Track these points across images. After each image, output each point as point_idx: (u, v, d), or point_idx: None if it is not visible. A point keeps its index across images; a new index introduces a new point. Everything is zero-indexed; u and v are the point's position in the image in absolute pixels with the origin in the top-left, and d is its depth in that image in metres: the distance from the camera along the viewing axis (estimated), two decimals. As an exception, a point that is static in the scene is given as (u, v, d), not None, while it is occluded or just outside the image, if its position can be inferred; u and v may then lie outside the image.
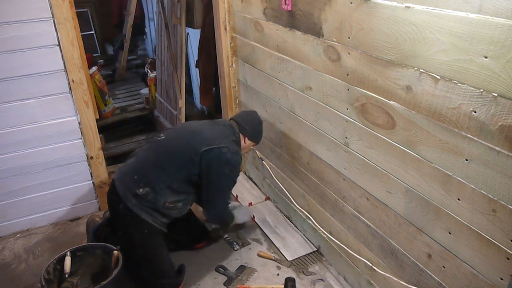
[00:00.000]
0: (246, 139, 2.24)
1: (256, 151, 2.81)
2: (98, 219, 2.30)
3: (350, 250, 1.98)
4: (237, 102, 2.94)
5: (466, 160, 1.28)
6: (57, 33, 2.29)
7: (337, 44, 1.74)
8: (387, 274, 1.76)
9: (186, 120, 3.71)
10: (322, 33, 1.81)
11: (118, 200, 1.95)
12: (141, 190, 1.94)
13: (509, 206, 1.19)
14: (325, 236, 2.18)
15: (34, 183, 2.55)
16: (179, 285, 2.11)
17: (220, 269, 2.25)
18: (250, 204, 2.78)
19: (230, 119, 2.30)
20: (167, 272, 2.07)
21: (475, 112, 1.21)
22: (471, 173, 1.28)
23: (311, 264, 2.26)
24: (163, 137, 2.11)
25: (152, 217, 1.95)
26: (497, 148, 1.18)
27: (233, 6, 2.61)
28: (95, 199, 2.76)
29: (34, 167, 2.51)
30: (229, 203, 2.21)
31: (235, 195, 2.88)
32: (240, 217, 2.37)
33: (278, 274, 2.20)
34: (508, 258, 1.23)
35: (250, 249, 2.40)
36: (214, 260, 2.31)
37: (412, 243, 1.60)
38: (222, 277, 2.20)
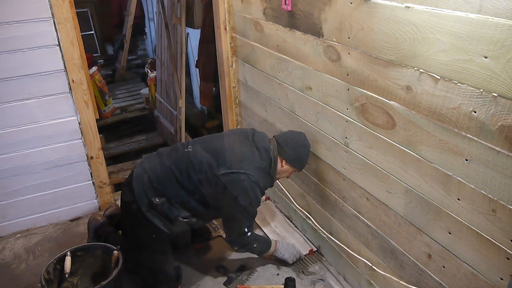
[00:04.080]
0: (284, 162, 2.01)
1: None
2: (99, 218, 2.30)
3: (350, 250, 1.98)
4: (237, 102, 2.94)
5: (466, 160, 1.28)
6: (57, 33, 2.29)
7: (337, 44, 1.74)
8: (387, 274, 1.76)
9: (186, 119, 3.72)
10: (322, 33, 1.81)
11: (133, 200, 1.93)
12: (157, 199, 1.90)
13: (509, 206, 1.19)
14: (325, 236, 2.18)
15: (34, 183, 2.55)
16: None
17: (220, 269, 2.25)
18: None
19: (273, 137, 2.08)
20: (169, 276, 2.05)
21: (475, 112, 1.21)
22: (471, 173, 1.28)
23: (311, 264, 2.26)
24: (190, 149, 1.98)
25: (164, 223, 1.94)
26: (497, 148, 1.18)
27: (233, 6, 2.61)
28: (95, 199, 2.76)
29: (34, 167, 2.51)
30: (249, 233, 2.00)
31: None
32: (280, 251, 2.19)
33: (278, 274, 2.20)
34: (508, 258, 1.23)
35: (250, 249, 2.40)
36: (214, 260, 2.31)
37: (412, 243, 1.60)
38: (222, 277, 2.20)
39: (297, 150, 2.00)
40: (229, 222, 2.02)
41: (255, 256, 2.32)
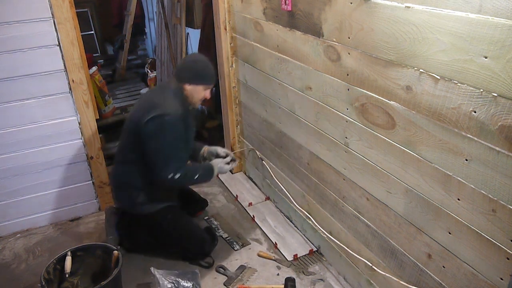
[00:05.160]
0: (188, 85, 2.12)
1: (256, 151, 2.81)
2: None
3: (350, 250, 1.98)
4: (237, 102, 2.94)
5: (466, 160, 1.28)
6: (57, 33, 2.29)
7: (337, 44, 1.74)
8: (387, 274, 1.76)
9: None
10: (322, 33, 1.81)
11: (130, 214, 2.25)
12: (138, 198, 2.16)
13: (509, 206, 1.19)
14: (325, 236, 2.18)
15: (34, 183, 2.55)
16: (215, 246, 2.35)
17: (220, 269, 2.25)
18: (250, 204, 2.78)
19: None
20: (204, 237, 2.30)
21: (475, 112, 1.21)
22: (471, 173, 1.28)
23: (311, 264, 2.26)
24: (118, 142, 2.29)
25: (161, 203, 2.19)
26: (497, 148, 1.18)
27: (233, 6, 2.61)
28: (95, 199, 2.76)
29: (34, 167, 2.51)
30: (175, 174, 2.08)
31: (235, 195, 2.88)
32: (219, 169, 2.28)
33: (278, 274, 2.20)
34: (508, 258, 1.23)
35: (250, 249, 2.40)
36: (214, 260, 2.31)
37: (412, 243, 1.60)
38: (222, 277, 2.20)
39: (191, 69, 2.13)
40: (154, 169, 2.08)
41: (255, 256, 2.33)
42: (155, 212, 2.20)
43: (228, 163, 2.33)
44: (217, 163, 2.29)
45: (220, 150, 2.43)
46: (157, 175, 2.08)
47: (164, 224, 2.24)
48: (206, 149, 2.45)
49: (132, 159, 2.17)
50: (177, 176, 2.07)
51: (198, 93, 2.16)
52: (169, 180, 2.07)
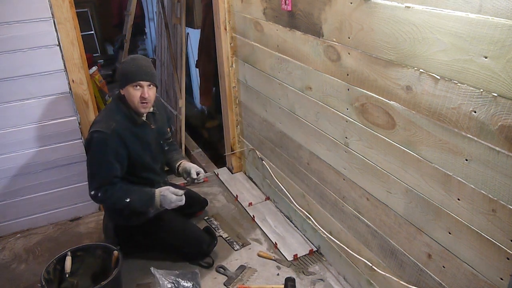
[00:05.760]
0: (121, 90, 2.04)
1: (256, 151, 2.81)
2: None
3: (350, 250, 1.98)
4: (237, 102, 2.94)
5: (466, 160, 1.28)
6: (57, 33, 2.29)
7: (337, 44, 1.74)
8: (387, 274, 1.76)
9: (186, 119, 3.71)
10: (322, 33, 1.81)
11: (124, 228, 2.23)
12: (124, 211, 2.14)
13: (509, 206, 1.19)
14: (325, 236, 2.19)
15: (34, 183, 2.55)
16: (214, 246, 2.33)
17: (220, 269, 2.25)
18: (250, 204, 2.78)
19: None
20: (202, 238, 2.30)
21: (475, 112, 1.21)
22: (471, 173, 1.28)
23: (311, 264, 2.26)
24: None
25: (152, 211, 2.18)
26: (497, 148, 1.18)
27: (233, 6, 2.61)
28: (95, 199, 2.76)
29: (34, 167, 2.51)
30: (97, 192, 2.04)
31: (235, 195, 2.88)
32: (162, 202, 2.10)
33: (278, 274, 2.20)
34: (508, 258, 1.23)
35: (250, 249, 2.40)
36: (214, 260, 2.31)
37: (412, 243, 1.60)
38: (222, 277, 2.20)
39: (119, 72, 2.07)
40: (88, 178, 2.07)
41: (255, 256, 2.33)
42: (146, 221, 2.19)
43: (179, 195, 2.12)
44: (163, 191, 2.11)
45: (193, 170, 2.27)
46: (89, 192, 2.08)
47: (158, 231, 2.23)
48: (182, 164, 2.34)
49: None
50: (99, 194, 2.02)
51: (130, 95, 2.00)
52: (92, 197, 2.06)
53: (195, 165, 2.33)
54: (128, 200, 2.04)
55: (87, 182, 2.63)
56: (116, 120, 2.01)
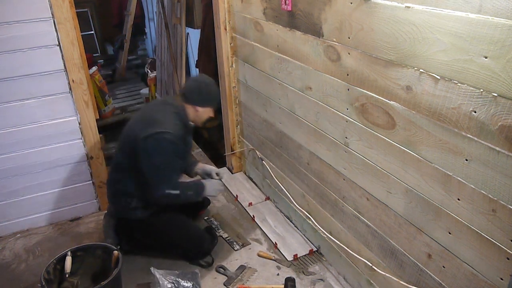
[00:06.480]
0: (197, 107, 2.20)
1: (256, 151, 2.81)
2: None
3: (350, 250, 1.98)
4: (237, 102, 2.94)
5: (466, 160, 1.28)
6: (57, 33, 2.29)
7: (337, 44, 1.74)
8: (387, 274, 1.76)
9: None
10: (322, 33, 1.81)
11: (126, 220, 2.25)
12: (132, 204, 2.18)
13: (509, 206, 1.19)
14: (325, 236, 2.18)
15: (34, 183, 2.55)
16: (215, 245, 2.35)
17: (220, 269, 2.25)
18: (250, 204, 2.78)
19: (179, 92, 2.34)
20: (203, 237, 2.31)
21: (475, 112, 1.21)
22: (471, 173, 1.28)
23: (311, 264, 2.26)
24: (114, 150, 2.30)
25: (155, 206, 2.20)
26: (497, 148, 1.18)
27: (233, 6, 2.61)
28: (95, 199, 2.75)
29: (34, 167, 2.51)
30: (173, 190, 2.13)
31: (235, 195, 2.88)
32: (208, 190, 2.30)
33: (278, 274, 2.20)
34: (508, 258, 1.23)
35: (250, 249, 2.40)
36: (214, 259, 2.31)
37: (412, 243, 1.60)
38: (222, 277, 2.20)
39: (200, 92, 2.20)
40: (150, 187, 2.10)
41: (255, 256, 2.33)
42: (149, 215, 2.22)
43: (220, 184, 2.39)
44: (211, 184, 2.32)
45: (214, 172, 2.46)
46: (153, 191, 2.09)
47: (160, 226, 2.25)
48: (200, 166, 2.51)
49: (126, 167, 2.18)
50: (174, 193, 2.12)
51: (205, 113, 2.26)
52: (165, 195, 2.10)
53: (213, 167, 2.54)
54: (190, 193, 2.22)
55: (87, 182, 2.68)
56: (179, 126, 2.14)
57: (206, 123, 2.27)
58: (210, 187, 2.31)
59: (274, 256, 2.32)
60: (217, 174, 2.46)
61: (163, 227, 2.25)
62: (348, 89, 1.74)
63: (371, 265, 1.87)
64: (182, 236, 2.28)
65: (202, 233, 2.35)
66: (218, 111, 3.55)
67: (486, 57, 1.14)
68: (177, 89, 3.65)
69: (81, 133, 2.55)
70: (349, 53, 1.68)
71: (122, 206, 2.23)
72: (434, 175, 1.41)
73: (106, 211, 2.48)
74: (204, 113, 2.25)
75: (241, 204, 2.80)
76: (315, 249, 2.34)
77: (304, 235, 2.45)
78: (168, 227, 2.26)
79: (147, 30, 6.21)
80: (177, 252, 2.32)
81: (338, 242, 2.08)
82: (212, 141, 4.07)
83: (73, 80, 2.40)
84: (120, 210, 2.27)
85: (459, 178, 1.33)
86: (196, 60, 3.84)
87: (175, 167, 2.16)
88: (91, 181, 2.70)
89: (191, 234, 2.30)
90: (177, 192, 2.13)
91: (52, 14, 2.25)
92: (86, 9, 6.32)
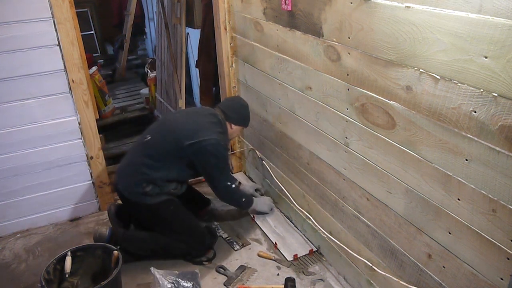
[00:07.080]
0: (232, 125, 2.40)
1: (256, 151, 2.81)
2: (104, 231, 2.32)
3: (350, 250, 1.98)
4: (237, 102, 2.93)
5: (466, 160, 1.28)
6: (57, 33, 2.29)
7: (337, 44, 1.74)
8: (387, 274, 1.76)
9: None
10: (322, 33, 1.81)
11: (132, 202, 2.25)
12: (147, 188, 2.20)
13: (509, 206, 1.19)
14: (325, 236, 2.18)
15: (34, 183, 2.55)
16: (215, 241, 2.42)
17: (220, 269, 2.25)
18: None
19: (215, 107, 2.44)
20: (204, 233, 2.36)
21: (475, 112, 1.21)
22: (471, 173, 1.28)
23: (311, 264, 2.26)
24: (149, 138, 2.30)
25: (166, 196, 2.26)
26: (497, 148, 1.18)
27: (233, 6, 2.61)
28: (95, 199, 2.76)
29: (34, 167, 2.51)
30: (232, 184, 2.33)
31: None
32: (259, 205, 2.55)
33: (278, 274, 2.20)
34: (508, 258, 1.23)
35: (250, 249, 2.40)
36: (214, 260, 2.31)
37: (412, 243, 1.60)
38: (222, 277, 2.20)
39: (239, 112, 2.44)
40: (212, 181, 2.33)
41: (255, 256, 2.33)
42: (158, 203, 2.24)
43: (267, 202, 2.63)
44: (262, 200, 2.61)
45: (253, 189, 2.69)
46: (216, 184, 2.32)
47: (166, 214, 2.28)
48: (241, 186, 2.63)
49: (161, 158, 2.24)
50: (233, 185, 2.34)
51: (237, 131, 2.49)
52: (226, 187, 2.31)
53: (249, 184, 2.84)
54: (243, 199, 2.45)
55: (87, 182, 2.68)
56: (224, 134, 2.36)
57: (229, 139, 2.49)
58: (262, 203, 2.58)
59: (274, 256, 2.32)
60: (257, 190, 2.70)
61: (169, 216, 2.29)
62: (348, 89, 1.74)
63: (371, 265, 1.87)
64: (185, 227, 2.30)
65: (203, 229, 2.38)
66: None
67: (486, 57, 1.14)
68: (177, 89, 3.65)
69: (81, 133, 2.55)
70: (349, 53, 1.68)
71: (135, 187, 2.23)
72: (434, 175, 1.41)
73: (108, 207, 2.49)
74: (236, 130, 2.46)
75: (241, 204, 2.80)
76: (315, 249, 2.34)
77: (304, 235, 2.45)
78: (173, 216, 2.29)
79: (147, 30, 6.21)
80: (179, 246, 2.30)
81: (338, 242, 2.08)
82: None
83: (73, 80, 2.40)
84: (131, 191, 2.24)
85: (459, 178, 1.33)
86: (196, 60, 3.84)
87: (229, 166, 2.41)
88: (91, 181, 2.70)
89: (193, 227, 2.32)
90: (234, 185, 2.33)
91: (52, 14, 2.25)
92: (86, 9, 6.32)
